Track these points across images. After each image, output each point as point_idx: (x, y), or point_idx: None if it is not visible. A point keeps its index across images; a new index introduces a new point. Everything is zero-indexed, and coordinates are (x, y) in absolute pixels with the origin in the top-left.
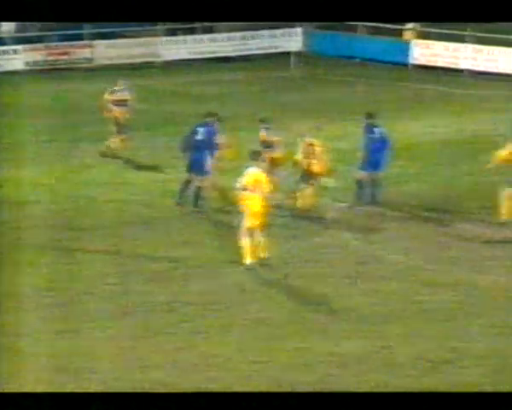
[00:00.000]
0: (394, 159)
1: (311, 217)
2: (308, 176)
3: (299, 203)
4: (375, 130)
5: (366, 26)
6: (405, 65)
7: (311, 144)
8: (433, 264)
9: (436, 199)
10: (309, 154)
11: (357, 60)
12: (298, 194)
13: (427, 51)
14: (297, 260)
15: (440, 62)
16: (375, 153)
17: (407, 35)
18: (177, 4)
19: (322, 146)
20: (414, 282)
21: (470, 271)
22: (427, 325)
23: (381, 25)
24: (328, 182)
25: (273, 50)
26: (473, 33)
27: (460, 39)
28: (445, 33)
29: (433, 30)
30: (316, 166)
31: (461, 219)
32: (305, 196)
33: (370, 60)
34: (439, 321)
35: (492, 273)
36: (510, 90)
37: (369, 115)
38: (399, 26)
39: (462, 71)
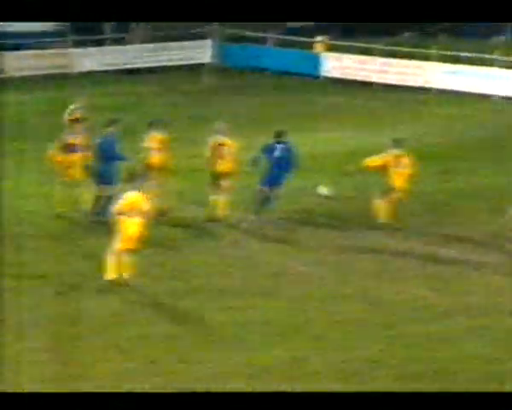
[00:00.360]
0: (304, 170)
1: (221, 228)
2: (216, 177)
3: (210, 214)
4: (278, 146)
5: (276, 38)
6: (316, 77)
7: (222, 144)
8: (342, 275)
9: (343, 210)
10: (218, 154)
11: (269, 72)
12: (209, 204)
13: (337, 64)
14: (205, 273)
15: (351, 75)
16: (276, 169)
17: (318, 47)
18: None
19: (233, 147)
20: (323, 293)
21: (378, 281)
22: (337, 336)
23: (291, 37)
24: (323, 190)
25: (184, 62)
26: (382, 47)
27: (370, 52)
28: (356, 46)
29: (343, 43)
30: (223, 166)
31: (368, 229)
32: (216, 207)
33: (281, 72)
34: (349, 332)
35: (399, 284)
36: (417, 101)
37: (278, 134)
38: (310, 39)
39: (371, 84)
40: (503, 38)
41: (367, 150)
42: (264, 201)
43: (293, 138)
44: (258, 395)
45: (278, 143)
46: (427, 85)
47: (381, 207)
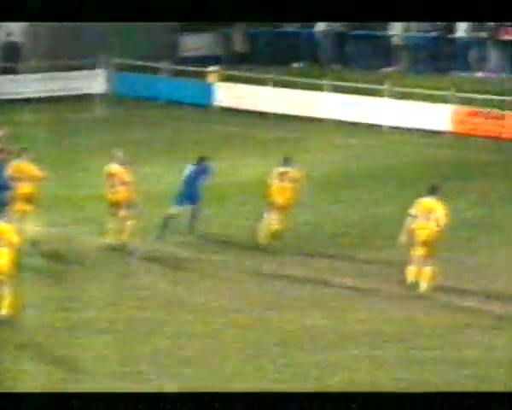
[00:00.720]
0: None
1: (117, 257)
2: (114, 207)
3: (107, 242)
4: (192, 168)
5: (170, 67)
6: (209, 107)
7: (113, 174)
8: (238, 303)
9: (239, 238)
10: (111, 184)
11: (162, 101)
12: (107, 232)
13: (230, 93)
14: (102, 303)
15: (244, 104)
16: (191, 187)
17: (211, 77)
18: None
19: (126, 175)
20: (217, 323)
21: (270, 309)
22: (228, 369)
23: (184, 67)
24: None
25: (77, 92)
26: (275, 76)
27: (263, 82)
28: (249, 76)
29: (236, 72)
30: (119, 195)
31: (264, 256)
32: (113, 235)
33: (175, 101)
34: (242, 361)
35: (292, 312)
36: (307, 131)
37: (200, 159)
38: (203, 69)
39: (264, 113)
40: (392, 68)
41: (259, 179)
42: (169, 224)
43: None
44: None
45: (194, 165)
46: (319, 116)
47: (264, 229)
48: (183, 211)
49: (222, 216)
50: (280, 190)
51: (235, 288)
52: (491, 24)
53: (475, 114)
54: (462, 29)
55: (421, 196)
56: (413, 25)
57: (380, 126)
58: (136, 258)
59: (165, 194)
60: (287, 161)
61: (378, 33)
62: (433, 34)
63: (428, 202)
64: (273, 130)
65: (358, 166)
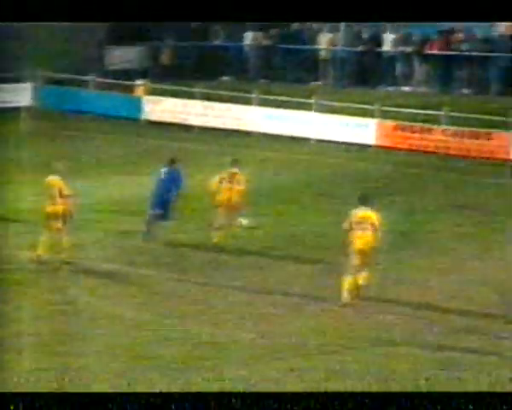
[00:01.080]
0: (130, 213)
1: (48, 271)
2: (51, 219)
3: (39, 256)
4: (164, 171)
5: (97, 81)
6: (137, 120)
7: (52, 185)
8: (168, 317)
9: (166, 252)
10: (50, 195)
11: (89, 115)
12: (40, 245)
13: (158, 107)
14: (27, 317)
15: (171, 118)
16: (163, 193)
17: (138, 91)
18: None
19: (65, 186)
20: (146, 337)
21: (202, 322)
22: (159, 377)
23: (112, 80)
24: (244, 221)
25: (4, 105)
26: (203, 90)
27: (191, 96)
28: (177, 89)
29: (165, 86)
30: (58, 207)
31: (195, 269)
32: (46, 248)
33: (102, 115)
34: (167, 375)
35: (224, 325)
36: (237, 145)
37: (170, 160)
38: (131, 82)
39: (192, 127)
40: (320, 82)
41: (192, 192)
42: (153, 226)
43: (115, 180)
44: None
45: (166, 167)
46: (247, 129)
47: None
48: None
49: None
50: (228, 191)
51: (166, 302)
52: (417, 38)
53: (401, 128)
54: (388, 43)
55: (348, 208)
56: (340, 39)
57: (307, 140)
58: (68, 271)
59: (94, 208)
60: (235, 163)
61: (305, 47)
62: (360, 48)
63: (363, 212)
64: (201, 143)
65: (287, 179)
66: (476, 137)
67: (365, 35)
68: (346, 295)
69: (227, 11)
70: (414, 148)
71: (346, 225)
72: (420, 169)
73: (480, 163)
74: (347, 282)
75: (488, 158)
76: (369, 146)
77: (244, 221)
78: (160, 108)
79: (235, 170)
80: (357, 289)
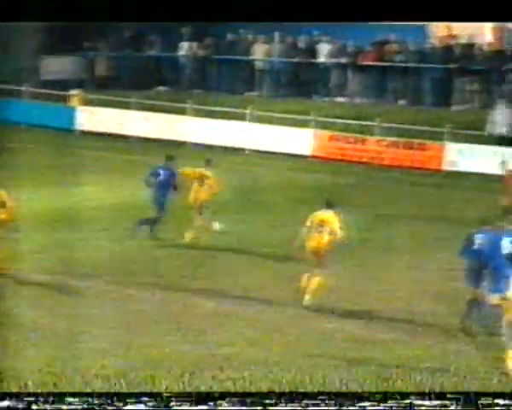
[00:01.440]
0: (58, 225)
1: None
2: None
3: None
4: (162, 171)
5: (31, 91)
6: (72, 131)
7: None
8: (99, 328)
9: (103, 264)
10: None
11: (24, 125)
12: None
13: (92, 117)
14: None
15: (106, 128)
16: (163, 190)
17: (73, 101)
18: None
19: (7, 196)
20: (78, 349)
21: (135, 334)
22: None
23: (46, 90)
24: (216, 226)
25: None
26: (137, 100)
27: (126, 106)
28: (111, 100)
29: (99, 96)
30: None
31: (127, 280)
32: None
33: (37, 125)
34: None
35: (155, 336)
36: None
37: (168, 157)
38: (65, 92)
39: (128, 137)
40: (255, 93)
41: (127, 204)
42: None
43: (49, 191)
44: None
45: (162, 168)
46: (182, 139)
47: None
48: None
49: (86, 240)
50: (199, 191)
51: (98, 313)
52: (351, 50)
53: (336, 139)
54: (323, 54)
55: (283, 218)
56: (275, 50)
57: (243, 150)
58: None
59: (29, 218)
60: (208, 164)
61: (241, 58)
62: (295, 59)
63: (323, 214)
64: (136, 154)
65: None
66: (410, 147)
67: (301, 45)
68: (306, 298)
69: (222, 11)
70: (349, 158)
71: (306, 225)
72: (354, 179)
73: (414, 173)
74: (304, 283)
75: (421, 168)
76: (306, 156)
77: (217, 226)
78: (95, 118)
79: (207, 171)
80: (314, 291)
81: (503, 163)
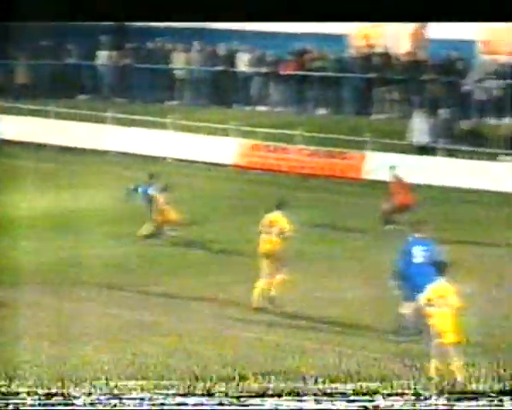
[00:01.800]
0: None
1: None
2: None
3: None
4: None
5: None
6: None
7: None
8: (41, 338)
9: (37, 274)
10: None
11: None
12: None
13: (11, 126)
14: None
15: (25, 137)
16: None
17: None
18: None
19: None
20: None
21: (74, 342)
22: None
23: None
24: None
25: None
26: (56, 109)
27: (45, 114)
28: (30, 109)
29: (18, 105)
30: None
31: (61, 290)
32: None
33: None
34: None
35: (86, 347)
36: (94, 163)
37: (150, 176)
38: None
39: (48, 146)
40: (176, 102)
41: (47, 213)
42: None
43: None
44: None
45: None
46: (103, 148)
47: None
48: None
49: (16, 251)
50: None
51: (40, 324)
52: (271, 59)
53: (258, 148)
54: (243, 63)
55: (209, 226)
56: (195, 58)
57: (164, 159)
58: None
59: None
60: (151, 178)
61: (161, 66)
62: (216, 68)
63: (272, 216)
64: (56, 163)
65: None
66: (331, 156)
67: (220, 53)
68: (256, 300)
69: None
70: (271, 167)
71: (259, 229)
72: (275, 188)
73: (335, 182)
74: (258, 286)
75: (341, 177)
76: (227, 165)
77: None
78: (14, 127)
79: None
80: (267, 294)
81: (392, 168)
